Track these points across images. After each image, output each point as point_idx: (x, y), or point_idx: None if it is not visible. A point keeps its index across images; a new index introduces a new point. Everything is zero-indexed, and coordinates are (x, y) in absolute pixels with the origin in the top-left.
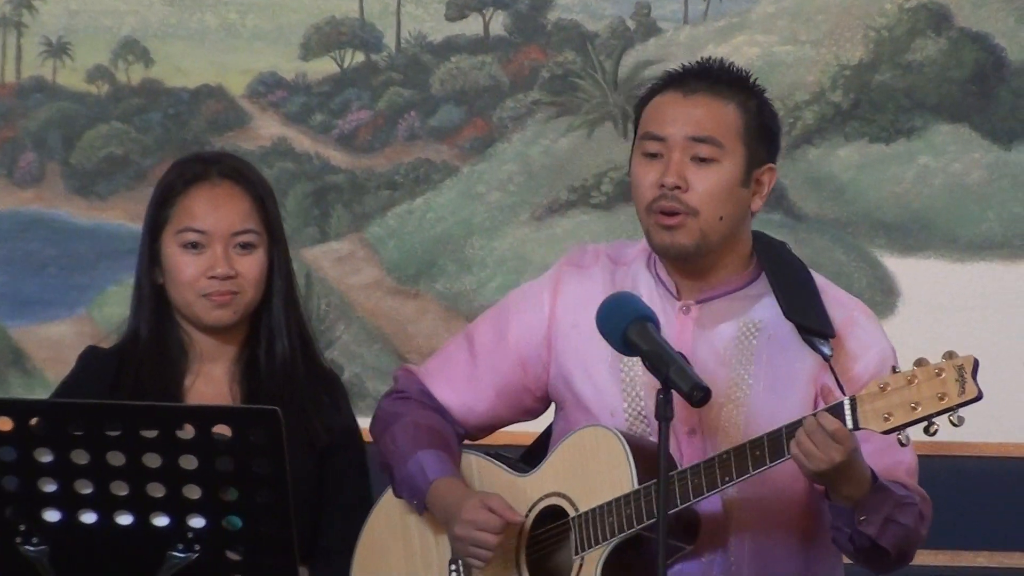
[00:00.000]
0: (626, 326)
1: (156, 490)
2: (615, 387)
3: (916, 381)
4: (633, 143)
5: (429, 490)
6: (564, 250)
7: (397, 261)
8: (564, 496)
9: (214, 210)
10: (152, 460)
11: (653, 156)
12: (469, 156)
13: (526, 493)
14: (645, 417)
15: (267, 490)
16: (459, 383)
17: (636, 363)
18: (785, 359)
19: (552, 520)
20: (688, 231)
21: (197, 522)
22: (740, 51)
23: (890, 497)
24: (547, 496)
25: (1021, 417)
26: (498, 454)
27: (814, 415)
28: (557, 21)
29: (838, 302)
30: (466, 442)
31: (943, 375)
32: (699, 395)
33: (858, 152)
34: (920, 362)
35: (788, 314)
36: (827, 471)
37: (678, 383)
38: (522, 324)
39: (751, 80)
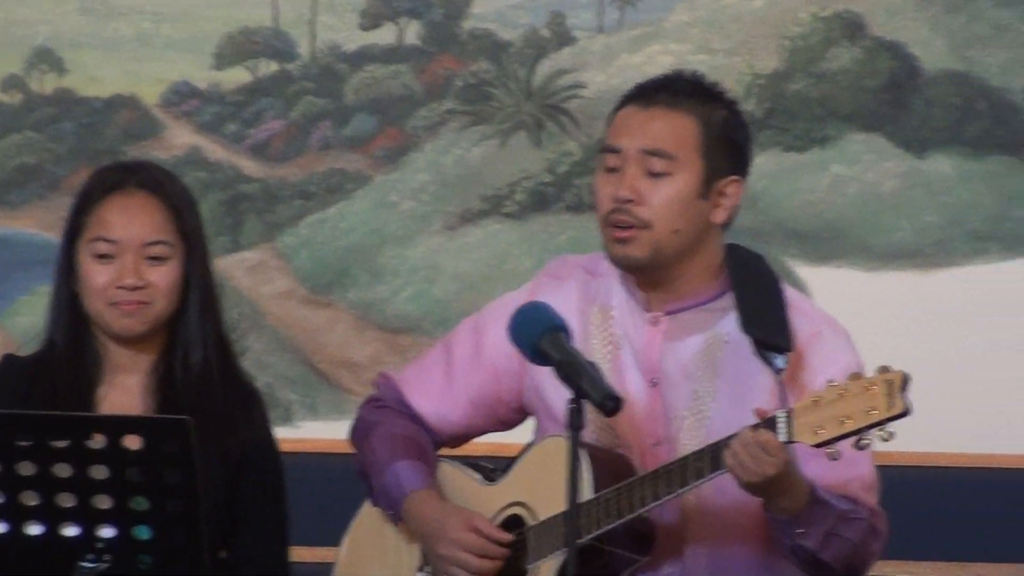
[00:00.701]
0: (538, 336)
1: (66, 500)
2: None
3: (847, 395)
4: None
5: (404, 502)
6: (477, 259)
7: (309, 270)
8: (525, 505)
9: (126, 220)
10: (62, 470)
11: (611, 170)
12: (382, 165)
13: (491, 501)
14: (613, 428)
15: (177, 500)
16: (434, 393)
17: (607, 375)
18: (748, 372)
19: (515, 529)
20: (640, 244)
21: (107, 532)
22: (654, 60)
23: (831, 511)
24: (510, 505)
25: (935, 427)
26: (473, 462)
27: (751, 428)
28: (471, 30)
29: (806, 316)
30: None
31: (873, 389)
32: (611, 405)
33: (772, 161)
34: (853, 376)
35: (745, 327)
36: (760, 483)
37: (590, 393)
38: (498, 335)
39: (718, 91)
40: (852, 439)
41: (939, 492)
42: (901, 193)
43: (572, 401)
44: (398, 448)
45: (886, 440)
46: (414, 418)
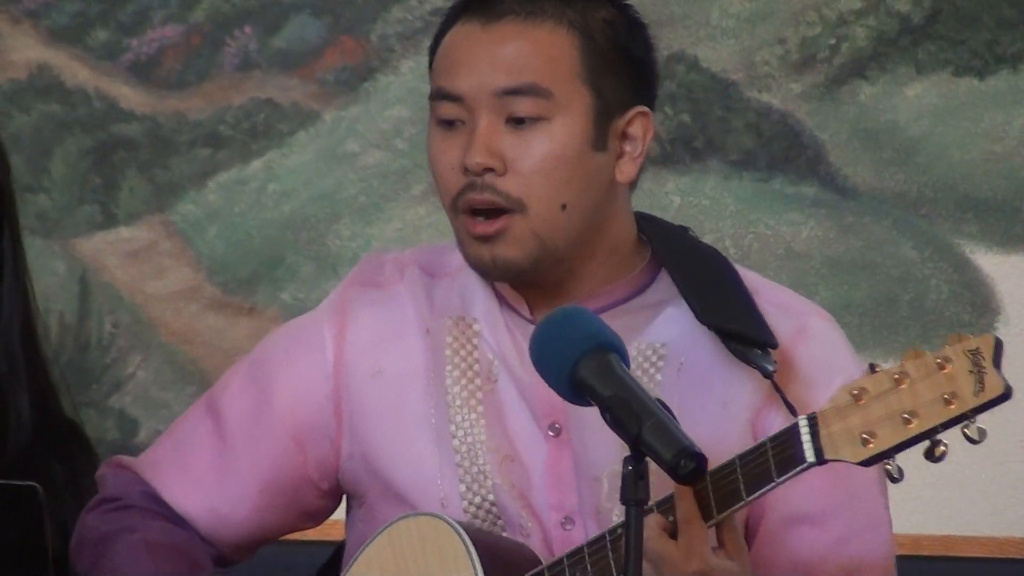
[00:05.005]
0: (576, 360)
1: None
2: (446, 463)
3: (908, 381)
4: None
5: None
6: None
7: (222, 258)
8: None
9: None
10: None
11: (451, 124)
12: (335, 96)
13: None
14: (493, 505)
15: None
16: (204, 480)
17: (475, 423)
18: (712, 394)
19: None
20: (514, 238)
21: None
22: None
23: None
24: None
25: None
26: None
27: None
28: None
29: (782, 306)
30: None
31: (948, 368)
32: (688, 466)
33: (937, 91)
34: (914, 354)
35: (702, 316)
36: None
37: (656, 447)
38: (294, 382)
39: None
40: (923, 445)
41: None
42: None
43: (629, 460)
44: (161, 563)
45: (976, 441)
46: (176, 520)
